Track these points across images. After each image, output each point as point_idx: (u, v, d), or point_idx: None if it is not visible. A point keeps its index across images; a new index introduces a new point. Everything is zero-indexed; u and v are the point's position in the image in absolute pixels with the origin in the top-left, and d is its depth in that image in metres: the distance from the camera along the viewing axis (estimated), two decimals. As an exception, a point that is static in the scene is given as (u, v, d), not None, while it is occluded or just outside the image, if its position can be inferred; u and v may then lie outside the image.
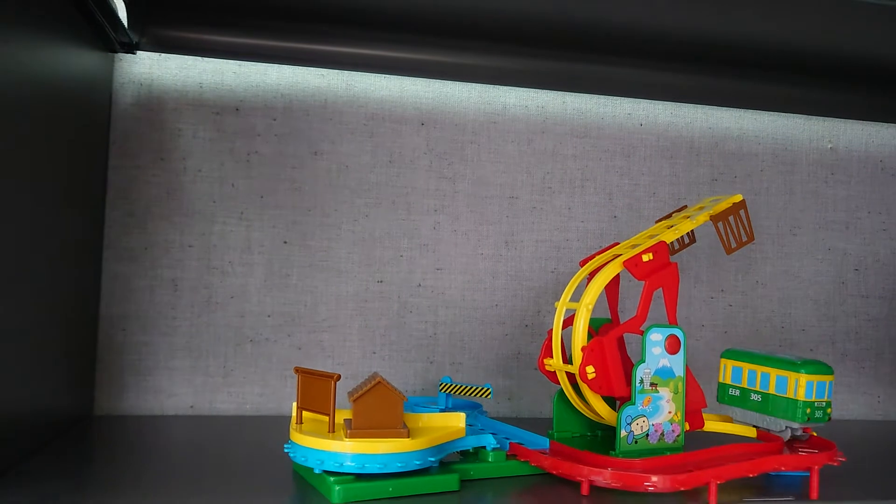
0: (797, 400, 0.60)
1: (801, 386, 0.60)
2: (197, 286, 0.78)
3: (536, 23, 0.75)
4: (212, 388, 0.78)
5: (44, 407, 0.59)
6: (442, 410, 0.64)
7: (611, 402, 0.62)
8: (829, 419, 0.61)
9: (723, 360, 0.67)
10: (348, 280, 0.82)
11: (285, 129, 0.81)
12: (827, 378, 0.61)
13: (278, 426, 0.72)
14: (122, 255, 0.77)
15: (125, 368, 0.77)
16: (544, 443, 0.58)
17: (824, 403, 0.61)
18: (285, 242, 0.80)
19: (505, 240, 0.86)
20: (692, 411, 0.62)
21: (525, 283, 0.86)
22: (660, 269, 0.62)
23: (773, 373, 0.62)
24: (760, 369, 0.63)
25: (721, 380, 0.67)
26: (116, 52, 0.76)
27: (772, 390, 0.62)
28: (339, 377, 0.51)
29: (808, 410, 0.60)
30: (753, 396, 0.63)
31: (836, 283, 0.95)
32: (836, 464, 0.56)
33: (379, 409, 0.50)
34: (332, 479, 0.48)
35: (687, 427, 0.62)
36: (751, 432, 0.66)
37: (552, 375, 0.64)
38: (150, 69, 0.78)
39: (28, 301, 0.53)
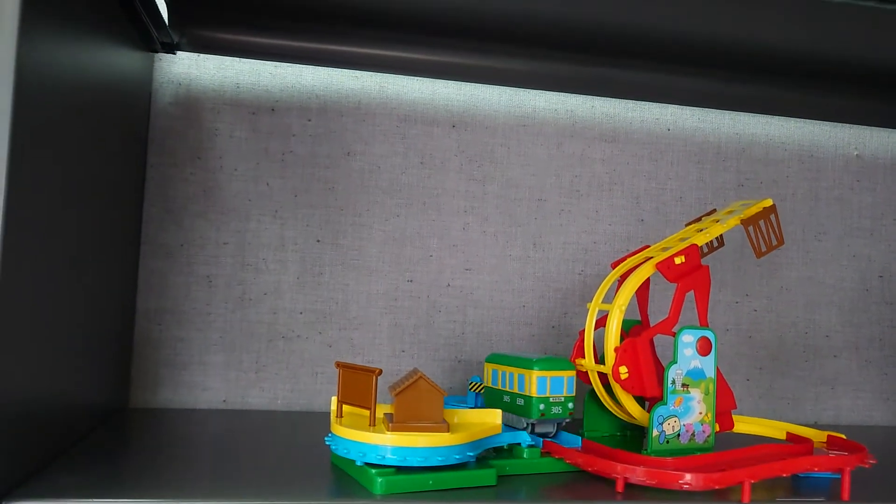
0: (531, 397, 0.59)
1: (533, 383, 0.59)
2: (231, 283, 0.80)
3: (567, 28, 0.76)
4: (244, 383, 0.80)
5: (82, 399, 0.60)
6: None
7: (640, 401, 0.63)
8: (571, 414, 0.60)
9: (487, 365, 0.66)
10: (379, 279, 0.83)
11: (319, 129, 0.82)
12: (564, 373, 0.60)
13: (309, 421, 0.74)
14: (158, 251, 0.79)
15: (160, 363, 0.78)
16: (576, 441, 0.59)
17: (562, 399, 0.60)
18: (318, 241, 0.82)
19: (533, 241, 0.87)
20: (722, 412, 0.63)
21: (552, 285, 0.87)
22: (691, 271, 0.62)
23: (515, 372, 0.61)
24: (507, 370, 0.62)
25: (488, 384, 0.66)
26: (157, 52, 0.78)
27: (515, 389, 0.61)
28: (380, 372, 0.52)
29: (542, 406, 0.59)
30: (505, 398, 0.63)
31: (860, 290, 0.96)
32: (867, 466, 0.56)
33: (420, 403, 0.51)
34: (373, 471, 0.49)
35: (717, 428, 0.62)
36: (780, 434, 0.67)
37: (584, 375, 0.65)
38: (189, 69, 0.80)
39: (66, 295, 0.55)
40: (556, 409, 0.60)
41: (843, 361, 0.95)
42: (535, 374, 0.59)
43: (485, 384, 0.66)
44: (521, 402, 0.61)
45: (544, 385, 0.59)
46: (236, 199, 0.80)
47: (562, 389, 0.60)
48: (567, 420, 0.61)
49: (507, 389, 0.62)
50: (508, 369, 0.62)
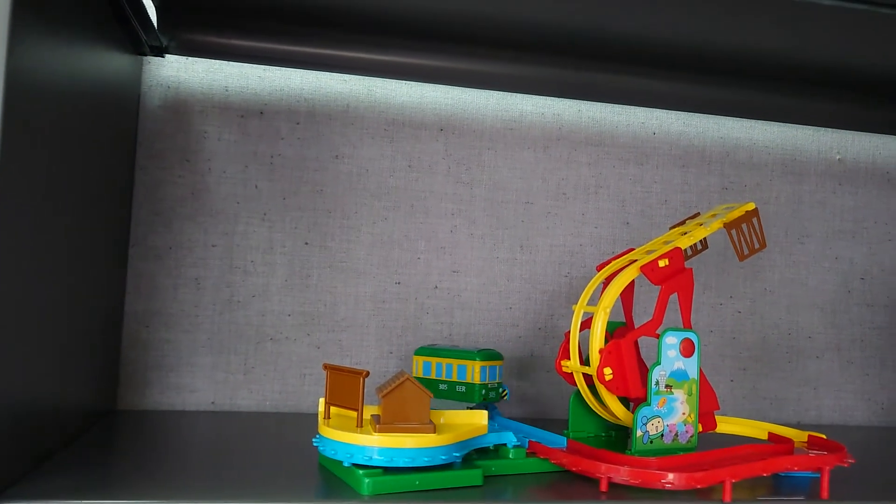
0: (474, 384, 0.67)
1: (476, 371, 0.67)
2: (219, 285, 0.80)
3: (554, 33, 0.77)
4: (233, 385, 0.80)
5: (71, 401, 0.60)
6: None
7: (625, 402, 0.64)
8: (503, 397, 0.70)
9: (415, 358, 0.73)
10: (367, 281, 0.84)
11: (308, 132, 0.83)
12: (497, 363, 0.69)
13: (298, 423, 0.74)
14: (147, 253, 0.79)
15: (148, 365, 0.79)
16: (562, 441, 0.60)
17: (496, 384, 0.69)
18: (306, 243, 0.82)
19: (520, 244, 0.88)
20: (705, 413, 0.64)
21: (539, 287, 0.88)
22: (675, 274, 0.63)
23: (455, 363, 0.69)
24: (446, 361, 0.70)
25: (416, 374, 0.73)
26: (146, 55, 0.78)
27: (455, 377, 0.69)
28: (367, 374, 0.52)
29: (483, 392, 0.68)
30: (442, 386, 0.70)
31: (842, 292, 0.97)
32: (846, 465, 0.57)
33: (407, 405, 0.52)
34: (361, 472, 0.50)
35: (700, 428, 0.63)
36: (762, 434, 0.68)
37: (569, 377, 0.65)
38: (178, 72, 0.80)
39: (55, 297, 0.55)
40: (491, 394, 0.69)
41: (826, 362, 0.96)
42: (479, 364, 0.67)
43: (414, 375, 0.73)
44: (461, 388, 0.68)
45: (484, 373, 0.68)
46: (225, 202, 0.81)
47: (496, 377, 0.69)
48: (498, 401, 0.70)
49: (445, 378, 0.69)
50: (447, 360, 0.70)
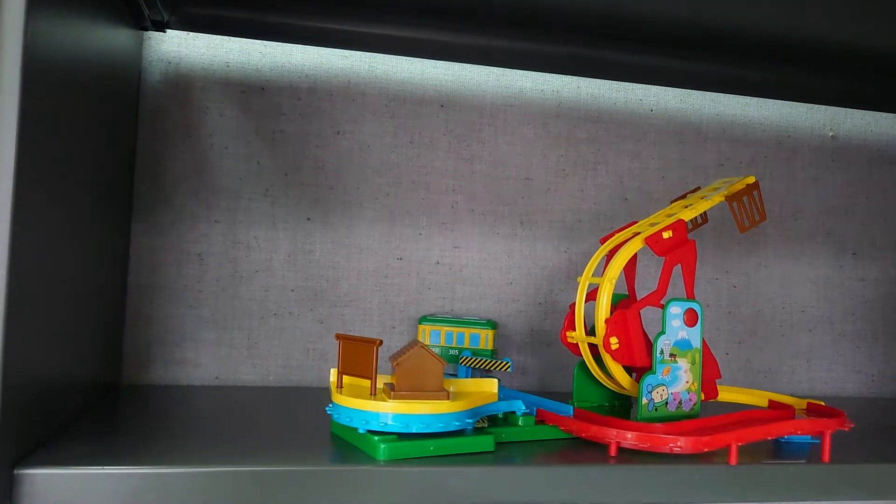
0: None
1: None
2: (222, 261, 0.80)
3: (553, 9, 0.77)
4: (236, 359, 0.80)
5: (77, 376, 0.60)
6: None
7: (628, 372, 0.65)
8: None
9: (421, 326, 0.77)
10: (369, 256, 0.84)
11: (309, 108, 0.83)
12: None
13: (303, 396, 0.75)
14: (149, 229, 0.79)
15: (152, 340, 0.79)
16: (568, 410, 0.61)
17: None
18: (308, 219, 0.83)
19: (520, 220, 0.88)
20: (707, 381, 0.65)
21: (539, 262, 0.89)
22: (679, 245, 0.64)
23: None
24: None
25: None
26: (147, 30, 0.77)
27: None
28: (381, 342, 0.53)
29: None
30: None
31: (834, 267, 0.99)
32: (846, 429, 0.59)
33: (420, 372, 0.53)
34: (376, 437, 0.51)
35: (702, 396, 0.65)
36: (762, 401, 0.69)
37: (574, 347, 0.66)
38: (179, 48, 0.80)
39: (58, 273, 0.55)
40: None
41: (818, 335, 0.98)
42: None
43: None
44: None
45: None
46: (227, 178, 0.81)
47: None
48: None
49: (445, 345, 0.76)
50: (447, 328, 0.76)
